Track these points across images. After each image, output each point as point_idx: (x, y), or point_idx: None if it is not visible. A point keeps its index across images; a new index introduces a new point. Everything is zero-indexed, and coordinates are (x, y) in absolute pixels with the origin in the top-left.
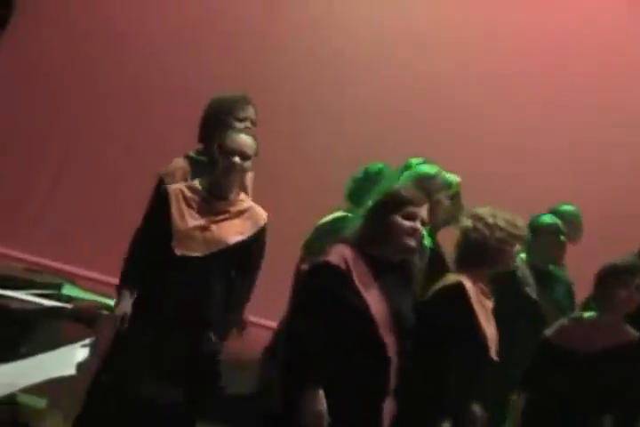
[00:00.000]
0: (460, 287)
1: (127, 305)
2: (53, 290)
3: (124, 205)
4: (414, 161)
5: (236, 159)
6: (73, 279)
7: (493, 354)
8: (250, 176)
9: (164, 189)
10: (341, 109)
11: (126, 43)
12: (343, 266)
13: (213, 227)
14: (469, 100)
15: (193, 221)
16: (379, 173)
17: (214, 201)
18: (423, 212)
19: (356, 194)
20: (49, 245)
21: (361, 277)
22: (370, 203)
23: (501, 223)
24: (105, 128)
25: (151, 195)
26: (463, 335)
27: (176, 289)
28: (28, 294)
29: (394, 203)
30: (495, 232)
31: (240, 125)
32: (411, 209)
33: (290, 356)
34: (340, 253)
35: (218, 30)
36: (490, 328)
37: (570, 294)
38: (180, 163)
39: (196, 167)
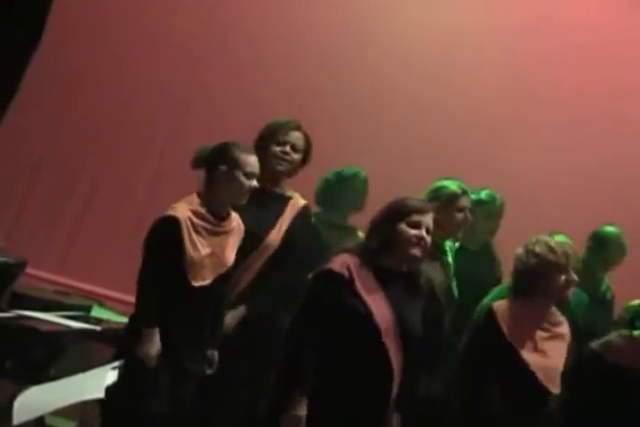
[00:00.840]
0: (489, 313)
1: (157, 345)
2: (82, 312)
3: None
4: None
5: (254, 183)
6: (101, 301)
7: (549, 385)
8: None
9: (172, 219)
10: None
11: (170, 64)
12: (346, 273)
13: (218, 250)
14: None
15: (203, 249)
16: (353, 177)
17: (217, 223)
18: (428, 220)
19: (326, 196)
20: (78, 266)
21: (364, 285)
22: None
23: (544, 250)
24: (137, 152)
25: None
26: (497, 359)
27: (192, 317)
28: (57, 316)
29: (398, 211)
30: (529, 259)
31: (277, 149)
32: (416, 217)
33: (284, 359)
34: (342, 262)
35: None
36: (534, 356)
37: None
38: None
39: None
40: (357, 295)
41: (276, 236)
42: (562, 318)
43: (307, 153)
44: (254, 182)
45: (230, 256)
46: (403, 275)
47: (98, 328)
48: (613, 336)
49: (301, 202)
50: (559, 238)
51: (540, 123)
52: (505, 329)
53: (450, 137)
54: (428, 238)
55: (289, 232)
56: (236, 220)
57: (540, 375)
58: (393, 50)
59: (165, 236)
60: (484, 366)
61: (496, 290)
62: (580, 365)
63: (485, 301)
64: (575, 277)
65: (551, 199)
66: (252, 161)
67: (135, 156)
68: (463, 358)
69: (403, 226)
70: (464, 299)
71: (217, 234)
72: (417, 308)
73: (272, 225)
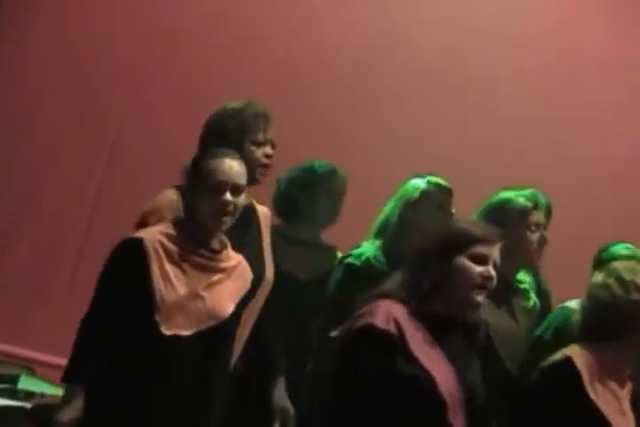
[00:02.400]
0: (566, 365)
1: (75, 411)
2: (7, 384)
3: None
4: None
5: (228, 197)
6: (32, 368)
7: None
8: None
9: (136, 241)
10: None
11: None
12: (394, 330)
13: (206, 294)
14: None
15: (182, 286)
16: (330, 177)
17: (207, 255)
18: (496, 253)
19: (291, 204)
20: (3, 326)
21: (419, 344)
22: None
23: None
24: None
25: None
26: None
27: (166, 381)
28: None
29: (457, 240)
30: (631, 293)
31: (257, 152)
32: (481, 249)
33: None
34: (386, 313)
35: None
36: (624, 423)
37: None
38: (167, 196)
39: None
40: (413, 360)
41: (270, 266)
42: None
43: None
44: (228, 196)
45: (228, 306)
46: (458, 323)
47: (27, 405)
48: None
49: (265, 210)
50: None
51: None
52: (589, 386)
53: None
54: (495, 278)
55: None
56: (236, 259)
57: None
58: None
59: (125, 262)
60: None
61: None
62: None
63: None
64: None
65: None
66: (223, 168)
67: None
68: None
69: (463, 261)
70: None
71: (207, 270)
72: (477, 366)
73: (259, 253)
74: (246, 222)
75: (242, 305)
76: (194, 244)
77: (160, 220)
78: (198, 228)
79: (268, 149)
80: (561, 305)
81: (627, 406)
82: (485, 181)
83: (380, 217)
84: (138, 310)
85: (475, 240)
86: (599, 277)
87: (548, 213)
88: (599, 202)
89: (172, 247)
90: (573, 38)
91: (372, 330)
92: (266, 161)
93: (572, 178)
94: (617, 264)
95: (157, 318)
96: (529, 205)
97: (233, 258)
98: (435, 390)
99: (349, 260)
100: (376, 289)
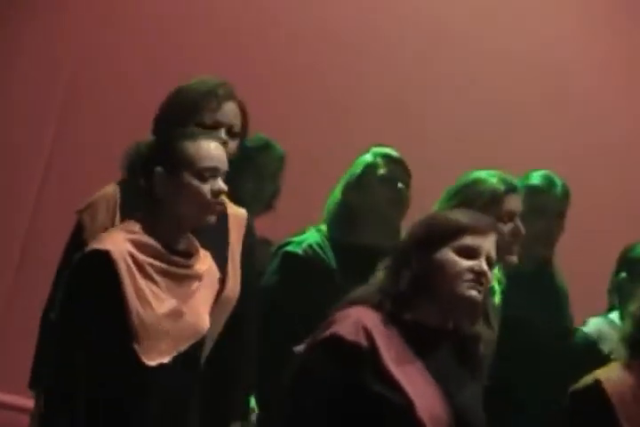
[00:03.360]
0: (595, 389)
1: None
2: None
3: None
4: None
5: (221, 184)
6: None
7: None
8: None
9: (103, 254)
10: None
11: None
12: (363, 342)
13: (186, 308)
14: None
15: (161, 304)
16: (259, 150)
17: (179, 261)
18: (490, 245)
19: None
20: None
21: (395, 359)
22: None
23: None
24: None
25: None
26: None
27: (144, 415)
28: None
29: (441, 230)
30: None
31: (211, 142)
32: (470, 240)
33: None
34: (355, 322)
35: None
36: None
37: None
38: (104, 190)
39: (129, 197)
40: (385, 375)
41: (234, 279)
42: None
43: (244, 135)
44: (221, 184)
45: (205, 319)
46: (448, 335)
47: None
48: None
49: (241, 212)
50: None
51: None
52: (623, 416)
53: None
54: (491, 274)
55: (248, 269)
56: (207, 259)
57: None
58: None
59: (92, 282)
60: None
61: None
62: None
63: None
64: None
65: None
66: (209, 150)
67: None
68: None
69: (448, 254)
70: (507, 364)
71: (184, 280)
72: (477, 390)
73: (222, 261)
74: (213, 226)
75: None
76: (165, 248)
77: (93, 216)
78: (168, 226)
79: (222, 134)
80: (576, 328)
81: None
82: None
83: (328, 201)
84: (113, 339)
85: (461, 230)
86: None
87: (565, 197)
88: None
89: (144, 258)
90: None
91: (336, 341)
92: None
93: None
94: None
95: (136, 346)
96: (501, 188)
97: (204, 258)
98: (410, 414)
99: (288, 248)
100: (348, 295)
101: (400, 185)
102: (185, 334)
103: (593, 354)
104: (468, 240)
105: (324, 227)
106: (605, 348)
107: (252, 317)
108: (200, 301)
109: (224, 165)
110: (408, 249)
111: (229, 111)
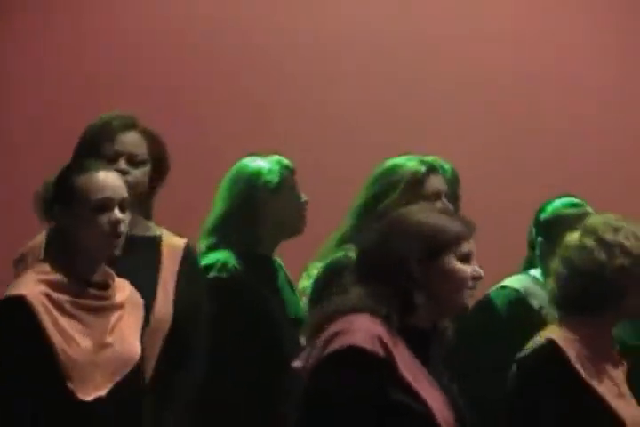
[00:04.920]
0: (551, 349)
1: None
2: None
3: None
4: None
5: (118, 214)
6: None
7: None
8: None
9: (18, 300)
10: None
11: None
12: (381, 352)
13: (111, 339)
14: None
15: (84, 339)
16: None
17: (95, 294)
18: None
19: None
20: None
21: (408, 367)
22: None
23: (629, 242)
24: None
25: None
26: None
27: None
28: None
29: (442, 240)
30: (618, 256)
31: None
32: (466, 247)
33: None
34: (368, 331)
35: None
36: (628, 408)
37: None
38: (34, 241)
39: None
40: (404, 384)
41: (165, 301)
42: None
43: (158, 161)
44: (117, 215)
45: (136, 345)
46: (427, 334)
47: None
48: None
49: (179, 242)
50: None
51: None
52: (580, 369)
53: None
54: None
55: (181, 295)
56: (126, 287)
57: None
58: None
59: (12, 329)
60: None
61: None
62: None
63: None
64: None
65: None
66: (100, 181)
67: None
68: None
69: (452, 262)
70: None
71: (100, 311)
72: (451, 382)
73: (151, 284)
74: (140, 252)
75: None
76: (79, 283)
77: (25, 267)
78: (80, 260)
79: (121, 164)
80: (500, 284)
81: (625, 389)
82: None
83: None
84: (46, 381)
85: (459, 237)
86: (574, 237)
87: (456, 181)
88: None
89: (58, 296)
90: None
91: (355, 352)
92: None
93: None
94: (594, 221)
95: (70, 384)
96: (422, 169)
97: (122, 287)
98: (431, 421)
99: (213, 274)
100: (332, 304)
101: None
102: (116, 365)
103: (525, 309)
104: (466, 246)
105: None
106: (535, 303)
107: (199, 341)
108: (126, 329)
109: (119, 194)
110: (407, 259)
111: (128, 140)
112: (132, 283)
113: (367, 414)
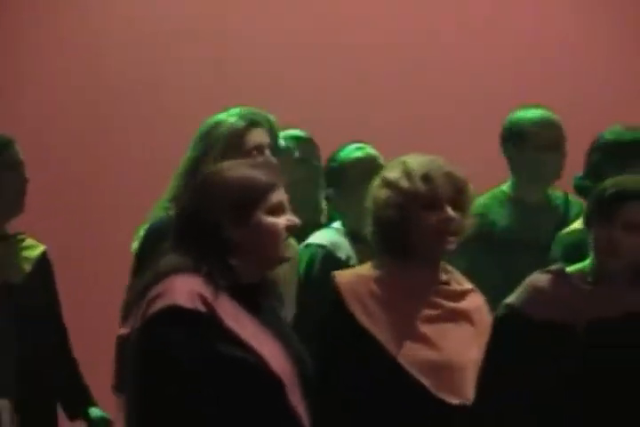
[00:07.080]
0: (336, 287)
1: None
2: None
3: None
4: None
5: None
6: None
7: (443, 394)
8: None
9: None
10: None
11: None
12: (202, 308)
13: None
14: None
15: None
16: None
17: None
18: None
19: None
20: None
21: (235, 321)
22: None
23: (418, 183)
24: None
25: None
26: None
27: None
28: None
29: (251, 195)
30: (391, 195)
31: None
32: (275, 197)
33: None
34: (189, 290)
35: None
36: (413, 348)
37: None
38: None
39: None
40: (232, 337)
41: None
42: (467, 286)
43: None
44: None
45: None
46: (255, 286)
47: None
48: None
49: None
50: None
51: None
52: (356, 309)
53: None
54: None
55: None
56: None
57: (425, 379)
58: None
59: None
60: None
61: None
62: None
63: None
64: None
65: None
66: None
67: None
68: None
69: (261, 217)
70: None
71: None
72: (293, 334)
73: None
74: None
75: None
76: None
77: None
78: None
79: None
80: (307, 243)
81: (429, 330)
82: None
83: None
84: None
85: (265, 191)
86: (376, 189)
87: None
88: None
89: None
90: None
91: (176, 311)
92: None
93: None
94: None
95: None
96: (241, 123)
97: None
98: (266, 371)
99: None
100: (155, 267)
101: None
102: None
103: (333, 263)
104: (274, 197)
105: None
106: (342, 255)
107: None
108: None
109: None
110: (214, 225)
111: None
112: None
113: (197, 370)
